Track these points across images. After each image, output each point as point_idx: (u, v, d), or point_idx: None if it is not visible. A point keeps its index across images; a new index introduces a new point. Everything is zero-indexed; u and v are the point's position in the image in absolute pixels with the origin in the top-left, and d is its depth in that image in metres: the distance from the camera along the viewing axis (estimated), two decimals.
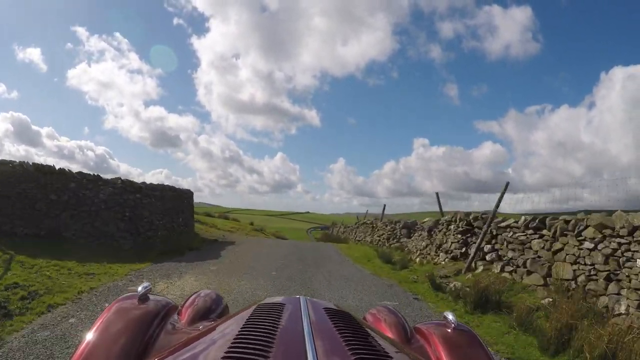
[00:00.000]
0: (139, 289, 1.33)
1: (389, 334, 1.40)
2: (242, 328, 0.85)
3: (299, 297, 1.17)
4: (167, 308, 1.33)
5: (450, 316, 1.38)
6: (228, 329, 0.89)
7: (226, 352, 0.70)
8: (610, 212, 4.90)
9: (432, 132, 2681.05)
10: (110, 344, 1.08)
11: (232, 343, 0.75)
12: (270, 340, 0.77)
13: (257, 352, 0.70)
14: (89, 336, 1.10)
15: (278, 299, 1.18)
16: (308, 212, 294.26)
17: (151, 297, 1.33)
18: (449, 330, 1.34)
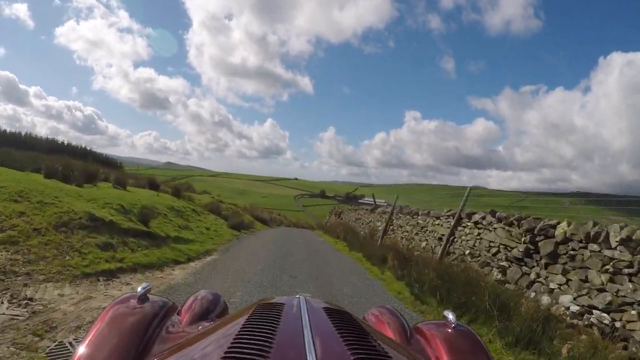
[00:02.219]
0: (139, 289, 1.33)
1: (389, 334, 1.39)
2: (241, 328, 0.85)
3: (298, 297, 1.18)
4: (166, 308, 1.33)
5: (450, 316, 1.38)
6: (228, 329, 0.90)
7: (226, 352, 0.71)
8: (599, 196, 28.44)
9: (425, 106, 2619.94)
10: (110, 344, 1.07)
11: (231, 343, 0.76)
12: (269, 340, 0.78)
13: (256, 352, 0.71)
14: (89, 337, 1.10)
15: (278, 298, 1.18)
16: (296, 179, 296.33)
17: (150, 297, 1.33)
18: (449, 330, 1.34)
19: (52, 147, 28.78)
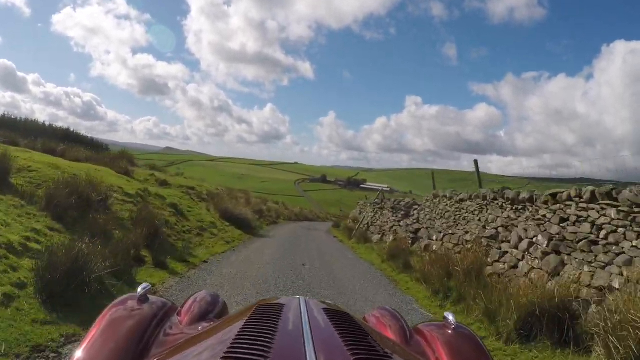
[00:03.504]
0: (139, 290, 1.33)
1: (389, 335, 1.39)
2: (241, 328, 0.85)
3: (298, 298, 1.18)
4: (166, 309, 1.34)
5: (450, 317, 1.38)
6: (227, 330, 0.89)
7: (226, 353, 0.71)
8: (602, 182, 4.82)
9: (426, 91, 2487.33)
10: (110, 344, 1.07)
11: (231, 343, 0.76)
12: (269, 340, 0.78)
13: (256, 352, 0.71)
14: (89, 338, 1.10)
15: (278, 299, 1.19)
16: (296, 163, 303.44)
17: (150, 298, 1.34)
18: (449, 331, 1.34)
19: (29, 129, 29.29)
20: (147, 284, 1.41)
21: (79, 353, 1.06)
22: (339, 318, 1.01)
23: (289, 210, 25.53)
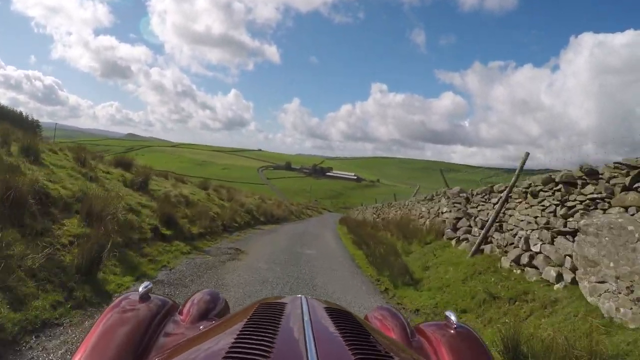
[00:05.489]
0: (140, 288, 1.33)
1: (390, 334, 1.39)
2: (243, 328, 0.86)
3: (300, 297, 1.18)
4: (167, 307, 1.34)
5: (452, 316, 1.38)
6: (229, 329, 0.90)
7: (227, 352, 0.71)
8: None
9: (393, 79, 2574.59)
10: (111, 343, 1.08)
11: (233, 343, 0.76)
12: (271, 340, 0.78)
13: (258, 352, 0.71)
14: (91, 336, 1.10)
15: (279, 298, 1.19)
16: (260, 150, 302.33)
17: (152, 296, 1.34)
18: (450, 331, 1.34)
19: None
20: (149, 282, 1.39)
21: (80, 352, 1.05)
22: (341, 317, 1.01)
23: (238, 201, 14.70)
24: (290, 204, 28.04)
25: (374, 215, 18.91)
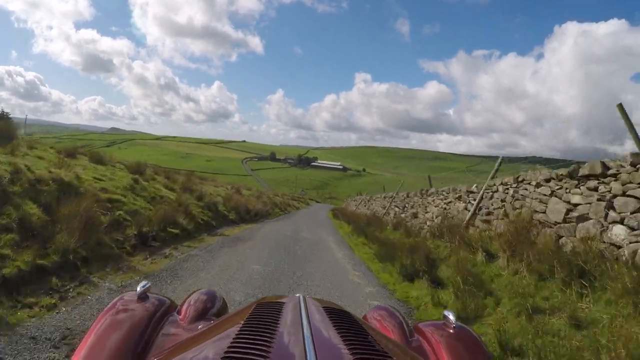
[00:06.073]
0: (138, 288, 1.33)
1: (389, 334, 1.40)
2: (241, 327, 0.86)
3: (298, 296, 1.19)
4: (165, 307, 1.34)
5: (450, 316, 1.38)
6: (227, 329, 0.90)
7: (226, 352, 0.71)
8: (552, 161, 5.10)
9: (377, 68, 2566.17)
10: (110, 343, 1.07)
11: (231, 342, 0.76)
12: (269, 339, 0.78)
13: (256, 351, 0.71)
14: (89, 336, 1.10)
15: (278, 297, 1.20)
16: (244, 142, 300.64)
17: (150, 296, 1.34)
18: (449, 331, 1.35)
19: None
20: (147, 282, 1.39)
21: (79, 352, 1.05)
22: (339, 317, 1.02)
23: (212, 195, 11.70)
24: (275, 195, 26.45)
25: (394, 210, 13.82)
